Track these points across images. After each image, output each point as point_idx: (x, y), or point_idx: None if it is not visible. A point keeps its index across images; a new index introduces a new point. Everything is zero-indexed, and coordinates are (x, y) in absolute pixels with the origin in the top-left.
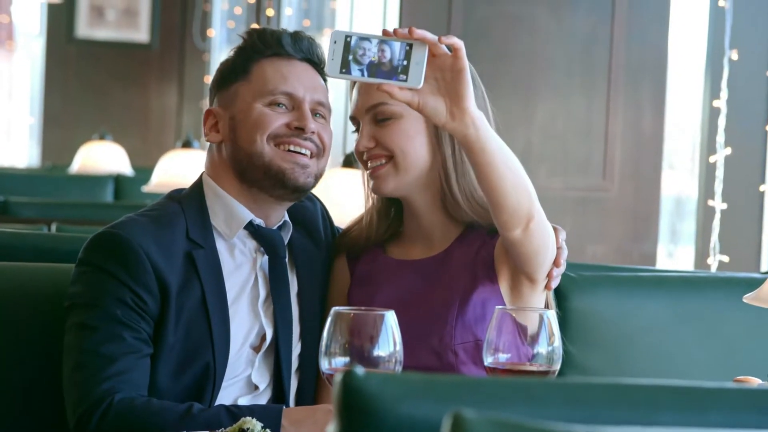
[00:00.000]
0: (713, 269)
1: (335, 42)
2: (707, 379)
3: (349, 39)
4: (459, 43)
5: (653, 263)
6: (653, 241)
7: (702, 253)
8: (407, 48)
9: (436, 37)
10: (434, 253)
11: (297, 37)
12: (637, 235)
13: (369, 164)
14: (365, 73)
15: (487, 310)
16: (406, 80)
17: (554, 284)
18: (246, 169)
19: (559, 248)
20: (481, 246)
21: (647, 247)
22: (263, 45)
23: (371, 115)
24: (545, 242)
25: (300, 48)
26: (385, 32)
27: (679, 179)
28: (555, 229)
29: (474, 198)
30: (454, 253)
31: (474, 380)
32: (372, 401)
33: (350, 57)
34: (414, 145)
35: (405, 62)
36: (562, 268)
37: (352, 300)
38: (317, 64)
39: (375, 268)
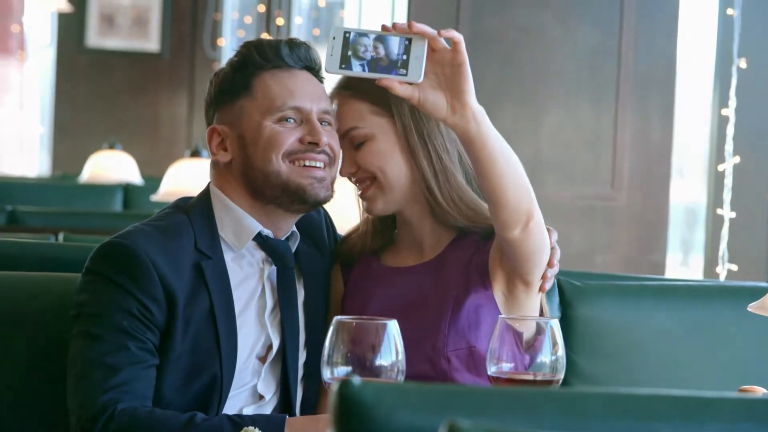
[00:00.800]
0: (722, 278)
1: (334, 38)
2: (713, 388)
3: (348, 34)
4: (458, 36)
5: (662, 272)
6: (662, 250)
7: (711, 262)
8: (406, 42)
9: (435, 32)
10: (426, 260)
11: (294, 45)
12: (645, 244)
13: (357, 187)
14: (365, 69)
15: (481, 317)
16: (406, 74)
17: (548, 285)
18: (262, 187)
19: (552, 248)
20: (474, 251)
21: (656, 256)
22: (262, 59)
23: (347, 140)
24: (542, 242)
25: (298, 57)
26: (384, 27)
27: (687, 188)
28: (548, 230)
29: (462, 201)
30: (447, 259)
31: (470, 390)
32: (368, 411)
33: (349, 52)
34: (391, 163)
35: (404, 57)
36: (556, 269)
37: (345, 308)
38: (316, 71)
39: (368, 275)
